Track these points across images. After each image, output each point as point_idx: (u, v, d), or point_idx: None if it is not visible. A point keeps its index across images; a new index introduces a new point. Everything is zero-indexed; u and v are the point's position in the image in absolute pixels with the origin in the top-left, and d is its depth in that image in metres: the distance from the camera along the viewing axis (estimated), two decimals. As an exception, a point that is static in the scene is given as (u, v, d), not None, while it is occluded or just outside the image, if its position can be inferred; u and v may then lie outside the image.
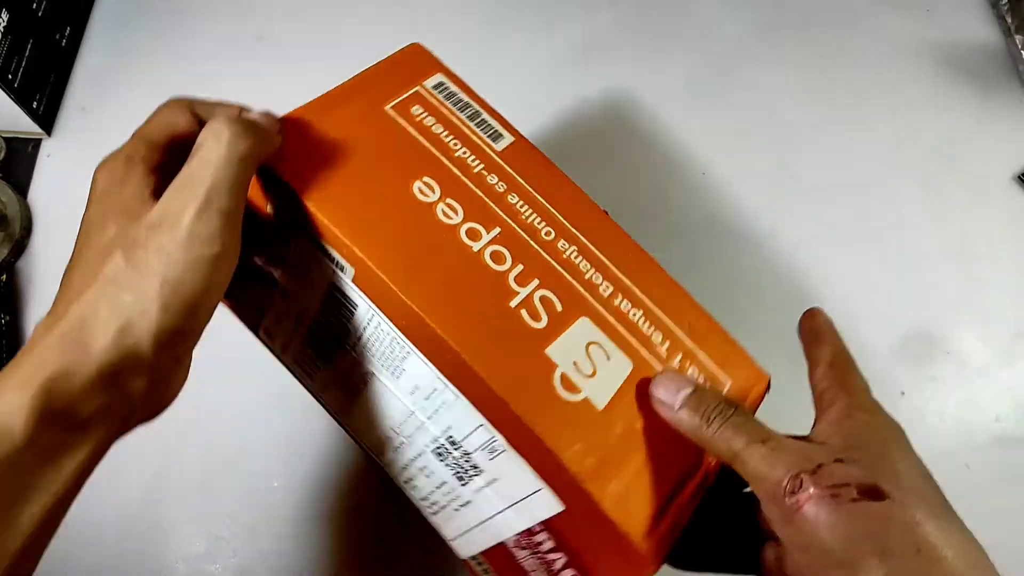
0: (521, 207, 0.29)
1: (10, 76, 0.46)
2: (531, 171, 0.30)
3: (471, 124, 0.31)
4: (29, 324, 0.45)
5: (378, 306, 0.27)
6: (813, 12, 0.56)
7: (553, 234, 0.29)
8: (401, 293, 0.26)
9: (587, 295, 0.28)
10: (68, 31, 0.52)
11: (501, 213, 0.28)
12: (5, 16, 0.45)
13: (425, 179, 0.28)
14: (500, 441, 0.26)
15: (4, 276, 0.46)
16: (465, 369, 0.25)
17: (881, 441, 0.24)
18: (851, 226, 0.49)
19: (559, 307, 0.27)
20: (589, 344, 0.27)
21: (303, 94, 0.52)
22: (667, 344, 0.28)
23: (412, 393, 0.28)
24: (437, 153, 0.30)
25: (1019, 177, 0.50)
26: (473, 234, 0.28)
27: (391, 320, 0.27)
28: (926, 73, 0.54)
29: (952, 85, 0.53)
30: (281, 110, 0.51)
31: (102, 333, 0.23)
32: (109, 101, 0.52)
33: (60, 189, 0.49)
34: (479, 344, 0.25)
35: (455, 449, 0.28)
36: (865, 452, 0.23)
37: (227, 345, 0.45)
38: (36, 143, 0.50)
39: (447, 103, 0.32)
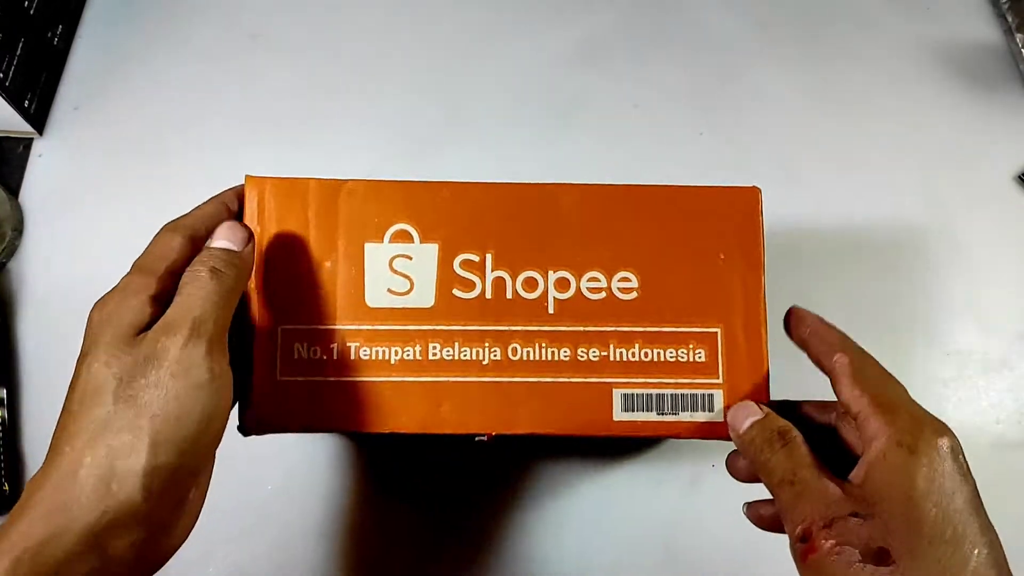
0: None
1: (1, 75, 0.46)
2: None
3: None
4: (20, 326, 0.45)
5: None
6: (812, 11, 0.56)
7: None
8: None
9: None
10: (60, 29, 0.52)
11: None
12: (-4, 14, 0.45)
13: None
14: None
15: (-5, 277, 0.45)
16: None
17: (909, 492, 0.23)
18: (850, 226, 0.48)
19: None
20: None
21: (298, 92, 0.52)
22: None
23: None
24: None
25: (1019, 177, 0.50)
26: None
27: None
28: (926, 72, 0.53)
29: (952, 84, 0.53)
30: (275, 107, 0.51)
31: (88, 489, 0.22)
32: (102, 100, 0.51)
33: (52, 189, 0.48)
34: None
35: None
36: (887, 506, 0.23)
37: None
38: (28, 143, 0.49)
39: None
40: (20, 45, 0.47)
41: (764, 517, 0.31)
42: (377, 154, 0.50)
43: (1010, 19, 0.54)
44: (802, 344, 0.30)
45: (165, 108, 0.51)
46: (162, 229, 0.28)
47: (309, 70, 0.53)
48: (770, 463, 0.26)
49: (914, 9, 0.55)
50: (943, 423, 0.25)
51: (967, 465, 0.24)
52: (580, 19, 0.55)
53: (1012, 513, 0.42)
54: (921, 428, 0.24)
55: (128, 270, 0.27)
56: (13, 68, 0.47)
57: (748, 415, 0.28)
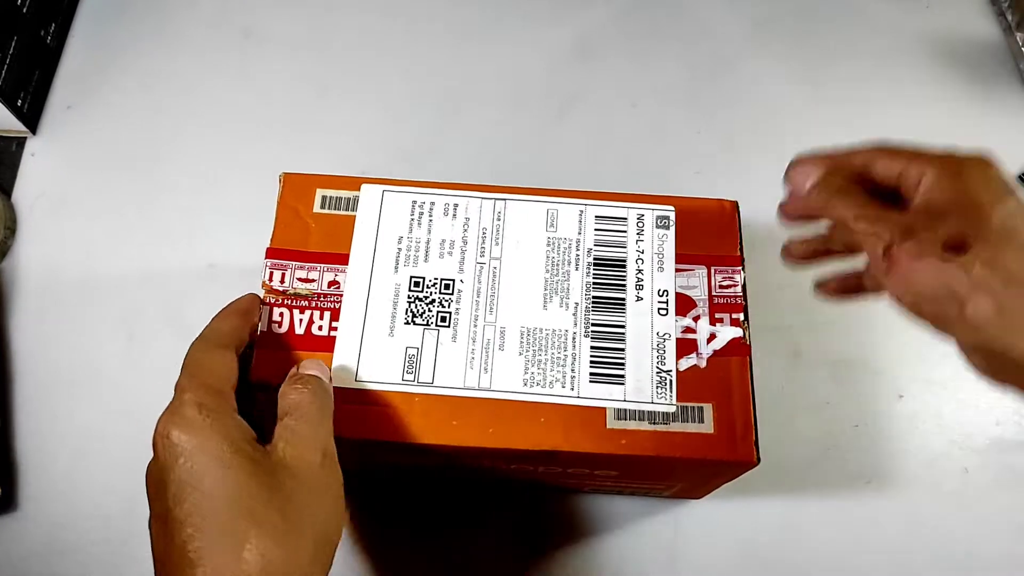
0: None
1: (-7, 74, 0.45)
2: None
3: None
4: (13, 327, 0.44)
5: None
6: (810, 7, 0.55)
7: None
8: None
9: None
10: (53, 28, 0.51)
11: None
12: (-13, 13, 0.45)
13: None
14: None
15: (-13, 278, 0.45)
16: None
17: (968, 198, 0.26)
18: (849, 226, 0.48)
19: None
20: None
21: (291, 89, 0.52)
22: None
23: None
24: None
25: (1020, 177, 0.49)
26: None
27: None
28: (925, 70, 0.53)
29: (952, 83, 0.52)
30: (269, 105, 0.51)
31: None
32: (95, 99, 0.51)
33: (45, 189, 0.48)
34: None
35: None
36: (956, 209, 0.25)
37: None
38: (20, 142, 0.49)
39: None
40: (13, 44, 0.47)
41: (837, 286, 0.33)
42: (372, 152, 0.50)
43: (1010, 17, 0.54)
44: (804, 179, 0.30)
45: (159, 106, 0.51)
46: (208, 345, 0.29)
47: (303, 68, 0.52)
48: (840, 205, 0.27)
49: (913, 6, 0.55)
50: (976, 152, 0.27)
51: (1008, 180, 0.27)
52: (575, 16, 0.55)
53: (1011, 514, 0.42)
54: (960, 157, 0.27)
55: (185, 384, 0.27)
56: (6, 67, 0.46)
57: (812, 170, 0.29)
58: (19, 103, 0.48)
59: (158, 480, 0.25)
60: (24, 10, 0.48)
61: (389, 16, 0.54)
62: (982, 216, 0.25)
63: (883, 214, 0.26)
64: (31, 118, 0.49)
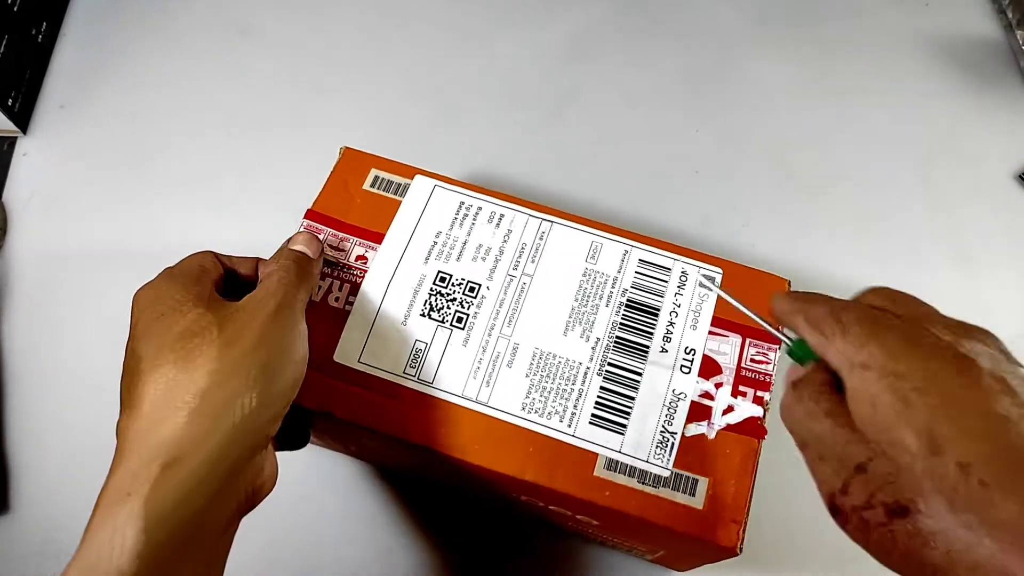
0: None
1: (-17, 73, 0.45)
2: None
3: None
4: (5, 326, 0.44)
5: None
6: (810, 5, 0.55)
7: None
8: None
9: None
10: (44, 26, 0.51)
11: None
12: (-23, 11, 0.44)
13: None
14: None
15: (-21, 279, 0.45)
16: None
17: (899, 416, 0.21)
18: (849, 224, 0.48)
19: None
20: None
21: (287, 88, 0.51)
22: None
23: None
24: None
25: (1020, 176, 0.49)
26: None
27: None
28: (926, 68, 0.53)
29: (952, 81, 0.52)
30: (264, 104, 0.50)
31: (225, 419, 0.24)
32: (87, 98, 0.51)
33: (36, 188, 0.48)
34: None
35: None
36: (878, 441, 0.21)
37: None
38: (12, 141, 0.49)
39: None
40: (4, 42, 0.46)
41: None
42: (368, 149, 0.49)
43: (1010, 15, 0.53)
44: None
45: (152, 105, 0.50)
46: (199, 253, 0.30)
47: (299, 66, 0.52)
48: (794, 430, 0.24)
49: (913, 5, 0.55)
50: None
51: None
52: (571, 12, 0.54)
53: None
54: (883, 344, 0.23)
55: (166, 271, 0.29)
56: (-4, 66, 0.46)
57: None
58: (10, 103, 0.47)
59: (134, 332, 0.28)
60: (15, 8, 0.47)
61: (386, 15, 0.54)
62: (919, 459, 0.20)
63: (825, 443, 0.23)
64: (22, 117, 0.49)
